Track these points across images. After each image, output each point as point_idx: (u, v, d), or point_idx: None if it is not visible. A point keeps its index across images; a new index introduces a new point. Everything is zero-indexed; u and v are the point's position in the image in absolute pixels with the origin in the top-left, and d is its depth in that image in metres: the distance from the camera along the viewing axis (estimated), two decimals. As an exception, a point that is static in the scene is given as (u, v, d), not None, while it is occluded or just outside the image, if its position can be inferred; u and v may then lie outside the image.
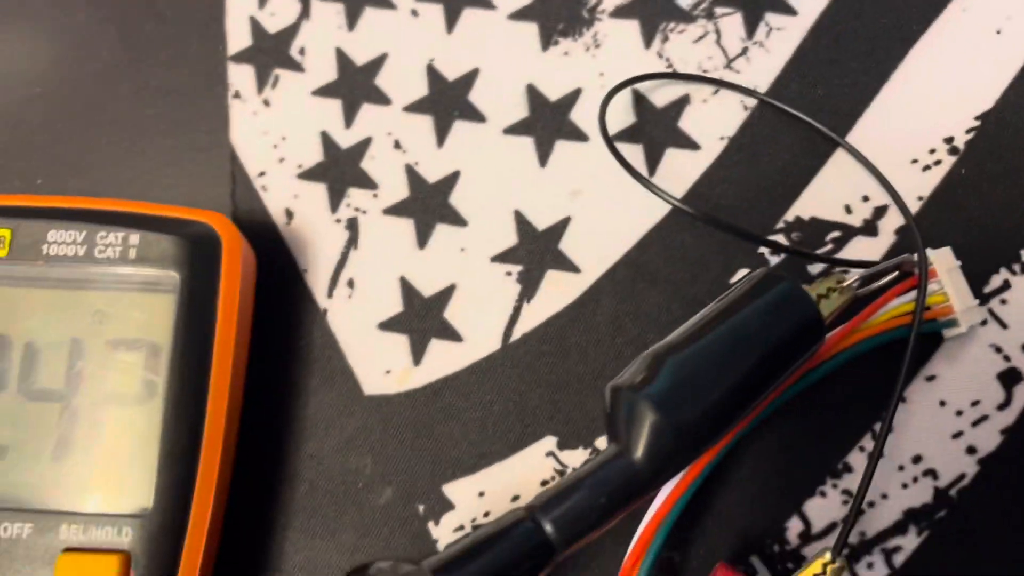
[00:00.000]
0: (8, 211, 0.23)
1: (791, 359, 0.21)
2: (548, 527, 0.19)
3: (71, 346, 0.22)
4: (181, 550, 0.21)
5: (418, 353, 0.25)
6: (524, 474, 0.24)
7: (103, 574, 0.20)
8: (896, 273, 0.23)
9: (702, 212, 0.24)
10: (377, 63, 0.28)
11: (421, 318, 0.25)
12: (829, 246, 0.24)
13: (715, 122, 0.26)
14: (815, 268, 0.24)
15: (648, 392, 0.19)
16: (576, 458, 0.24)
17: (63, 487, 0.21)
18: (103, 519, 0.21)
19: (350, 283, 0.26)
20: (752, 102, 0.26)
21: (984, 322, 0.23)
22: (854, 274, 0.23)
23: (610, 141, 0.25)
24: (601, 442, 0.24)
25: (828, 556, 0.20)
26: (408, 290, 0.26)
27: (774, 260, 0.25)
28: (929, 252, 0.23)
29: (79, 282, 0.22)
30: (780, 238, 0.25)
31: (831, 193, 0.25)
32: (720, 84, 0.26)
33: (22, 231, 0.22)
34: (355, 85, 0.28)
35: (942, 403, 0.23)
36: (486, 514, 0.24)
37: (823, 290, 0.22)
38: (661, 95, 0.26)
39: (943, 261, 0.23)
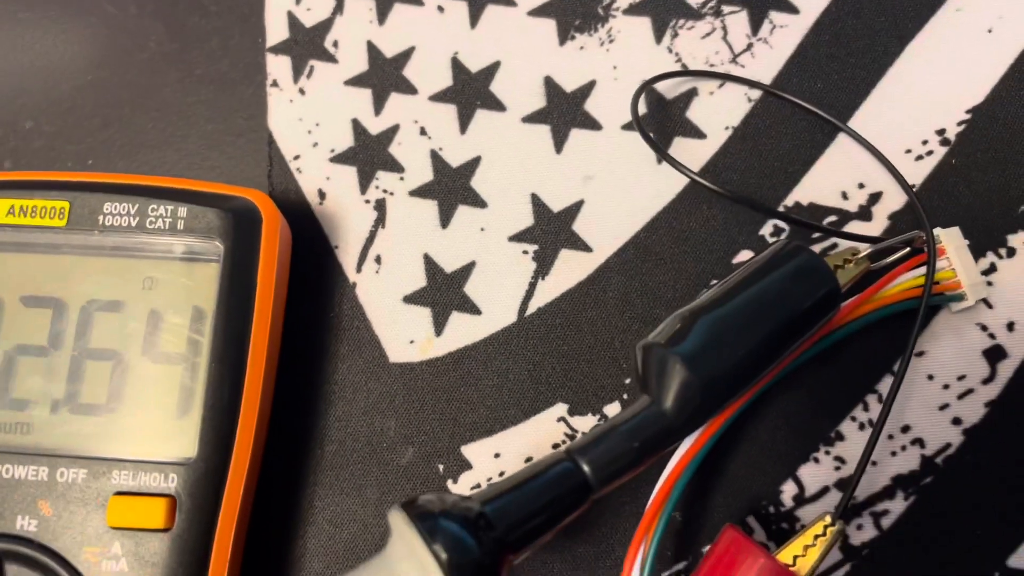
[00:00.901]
0: (66, 186, 0.24)
1: (809, 324, 0.22)
2: (586, 468, 0.20)
3: (123, 309, 0.23)
4: (222, 496, 0.22)
5: (440, 324, 0.26)
6: (537, 437, 0.25)
7: (151, 515, 0.21)
8: (908, 249, 0.24)
9: (728, 190, 0.25)
10: (405, 55, 0.29)
11: (443, 292, 0.26)
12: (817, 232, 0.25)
13: (721, 113, 0.27)
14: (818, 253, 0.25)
15: (679, 349, 0.21)
16: (585, 423, 0.25)
17: (115, 437, 0.22)
18: (151, 466, 0.22)
19: (378, 259, 0.27)
20: (755, 95, 0.27)
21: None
22: (867, 248, 0.24)
23: (643, 129, 0.25)
24: (609, 408, 0.25)
25: (828, 519, 0.21)
26: (431, 266, 0.27)
27: (776, 239, 0.26)
28: (939, 231, 0.24)
29: (131, 250, 0.23)
30: (780, 222, 0.26)
31: (828, 180, 0.26)
32: (744, 82, 0.27)
33: (79, 203, 0.23)
34: (384, 76, 0.29)
35: (930, 377, 0.24)
36: (501, 473, 0.25)
37: (839, 261, 0.23)
38: (671, 87, 0.27)
39: (952, 239, 0.24)
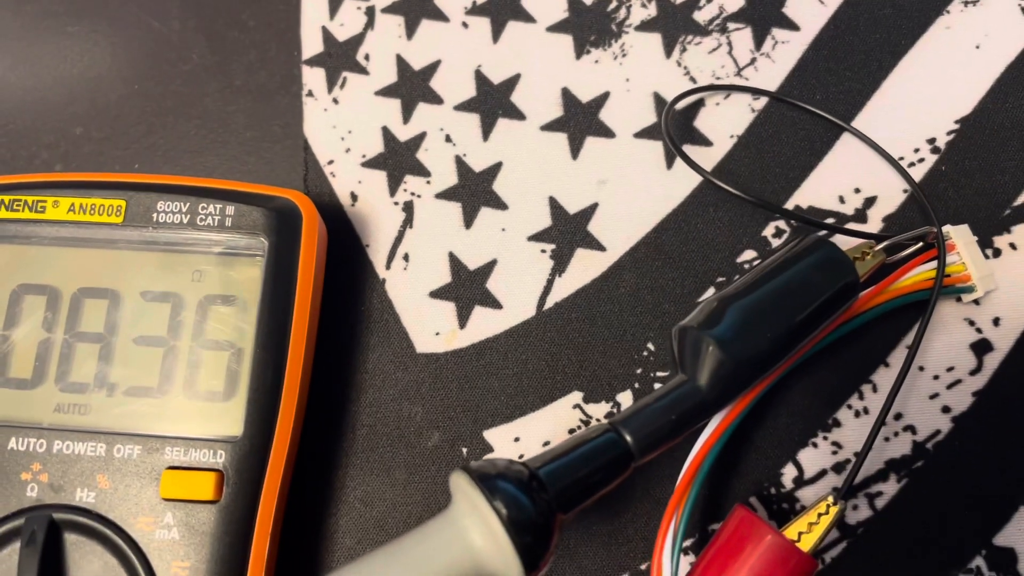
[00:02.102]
0: (123, 186, 0.25)
1: (830, 311, 0.24)
2: (628, 438, 0.22)
3: (174, 299, 0.25)
4: (265, 471, 0.24)
5: (463, 318, 0.28)
6: (554, 423, 0.26)
7: (201, 488, 0.23)
8: (920, 244, 0.26)
9: (752, 195, 0.27)
10: (432, 68, 0.30)
11: (466, 288, 0.28)
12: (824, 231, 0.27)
13: (726, 122, 0.29)
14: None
15: (713, 332, 0.22)
16: (599, 410, 0.26)
17: (167, 417, 0.24)
18: (201, 443, 0.24)
19: (406, 257, 0.28)
20: (759, 105, 0.29)
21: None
22: (883, 242, 0.25)
23: (673, 140, 0.27)
24: (621, 396, 0.27)
25: (831, 499, 0.23)
26: (455, 263, 0.28)
27: (778, 239, 0.28)
28: (950, 228, 0.26)
29: (182, 245, 0.25)
30: (781, 224, 0.28)
31: (827, 185, 0.28)
32: (766, 94, 0.28)
33: (135, 202, 0.25)
34: (412, 87, 0.30)
35: (921, 368, 0.26)
36: (520, 456, 0.26)
37: (858, 254, 0.25)
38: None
39: (961, 236, 0.26)
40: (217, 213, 0.25)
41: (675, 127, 0.29)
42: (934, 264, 0.25)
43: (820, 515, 0.23)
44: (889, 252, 0.25)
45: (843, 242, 0.25)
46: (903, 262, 0.26)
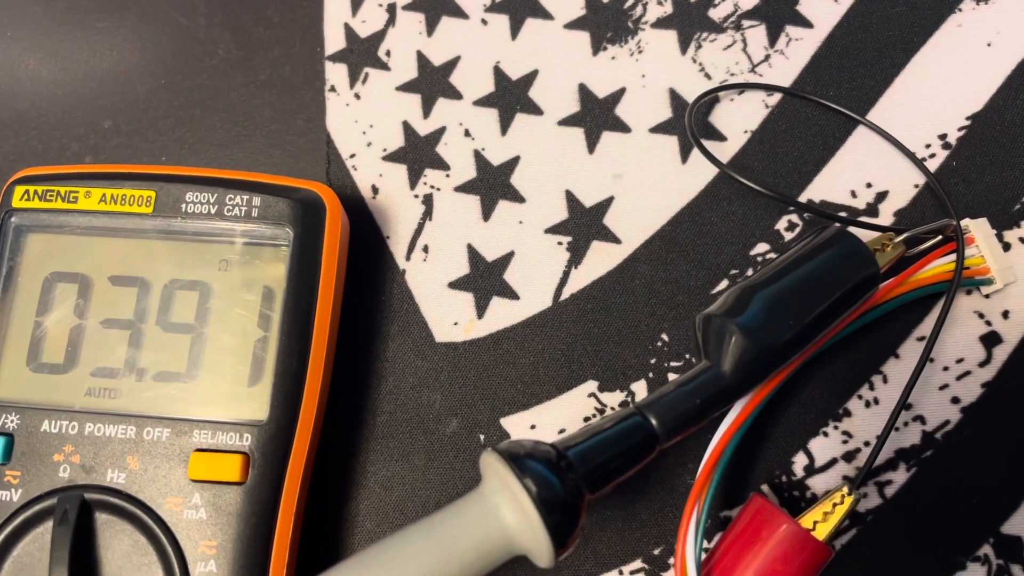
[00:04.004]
0: (153, 177, 0.26)
1: (851, 301, 0.24)
2: (654, 421, 0.22)
3: (202, 287, 0.25)
4: (289, 454, 0.24)
5: (481, 308, 0.28)
6: (569, 411, 0.27)
7: (228, 469, 0.24)
8: (940, 237, 0.26)
9: (777, 192, 0.27)
10: (451, 64, 0.31)
11: (484, 279, 0.28)
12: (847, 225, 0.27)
13: (740, 118, 0.29)
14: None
15: (737, 320, 0.23)
16: (614, 399, 0.27)
17: (195, 401, 0.25)
18: (228, 426, 0.24)
19: (425, 248, 0.29)
20: (772, 101, 0.29)
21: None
22: (902, 234, 0.26)
23: (695, 136, 0.28)
24: (636, 386, 0.27)
25: (846, 489, 0.23)
26: (474, 255, 0.29)
27: (791, 233, 0.28)
28: (968, 221, 0.26)
29: (210, 235, 0.26)
30: (794, 217, 0.28)
31: (839, 180, 0.28)
32: (786, 92, 0.29)
33: (164, 192, 0.26)
34: (432, 82, 0.31)
35: (931, 359, 0.26)
36: (537, 443, 0.27)
37: (878, 245, 0.25)
38: (694, 94, 0.29)
39: (980, 229, 0.26)
40: (244, 204, 0.26)
41: (691, 122, 0.29)
42: (953, 257, 0.25)
43: (835, 504, 0.23)
44: (908, 245, 0.26)
45: (863, 235, 0.25)
46: (922, 255, 0.26)
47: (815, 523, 0.23)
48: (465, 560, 0.20)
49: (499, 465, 0.21)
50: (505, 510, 0.20)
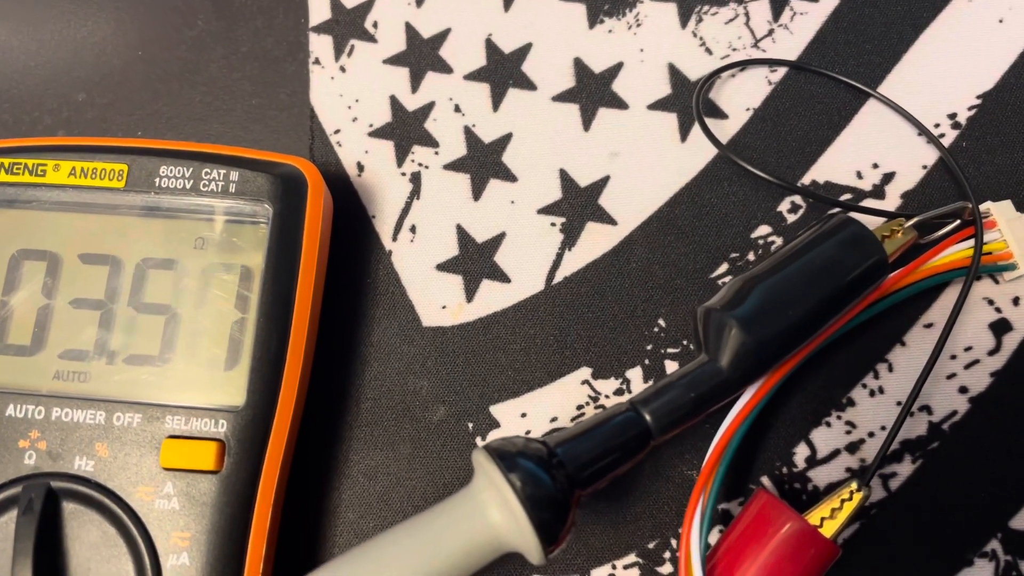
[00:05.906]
0: (125, 150, 0.25)
1: (857, 291, 0.23)
2: (647, 417, 0.22)
3: (176, 266, 0.24)
4: (267, 442, 0.23)
5: (471, 291, 0.27)
6: (562, 399, 0.26)
7: (202, 457, 0.23)
8: (957, 222, 0.25)
9: (774, 174, 0.26)
10: (441, 36, 0.30)
11: (474, 261, 0.28)
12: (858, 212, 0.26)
13: (742, 95, 0.28)
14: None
15: (735, 313, 0.22)
16: (608, 386, 0.26)
17: (168, 385, 0.24)
18: (202, 412, 0.23)
19: (412, 228, 0.28)
20: (776, 77, 0.28)
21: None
22: (914, 219, 0.25)
23: (701, 117, 0.27)
24: (631, 373, 0.26)
25: (855, 485, 0.22)
26: (463, 236, 0.28)
27: (794, 215, 0.27)
28: (990, 204, 0.25)
29: (185, 211, 0.25)
30: (797, 199, 0.27)
31: (844, 160, 0.27)
32: (798, 67, 0.28)
33: (137, 166, 0.25)
34: (421, 55, 0.30)
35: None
36: (527, 432, 0.26)
37: (887, 231, 0.24)
38: (696, 70, 0.28)
39: (1003, 212, 0.25)
40: (221, 179, 0.25)
41: (690, 99, 0.28)
42: (972, 243, 0.24)
43: (843, 501, 0.22)
44: (921, 230, 0.25)
45: (872, 220, 0.24)
46: (936, 241, 0.25)
47: (823, 520, 0.22)
48: (454, 557, 0.20)
49: (487, 462, 0.21)
50: (492, 508, 0.20)
